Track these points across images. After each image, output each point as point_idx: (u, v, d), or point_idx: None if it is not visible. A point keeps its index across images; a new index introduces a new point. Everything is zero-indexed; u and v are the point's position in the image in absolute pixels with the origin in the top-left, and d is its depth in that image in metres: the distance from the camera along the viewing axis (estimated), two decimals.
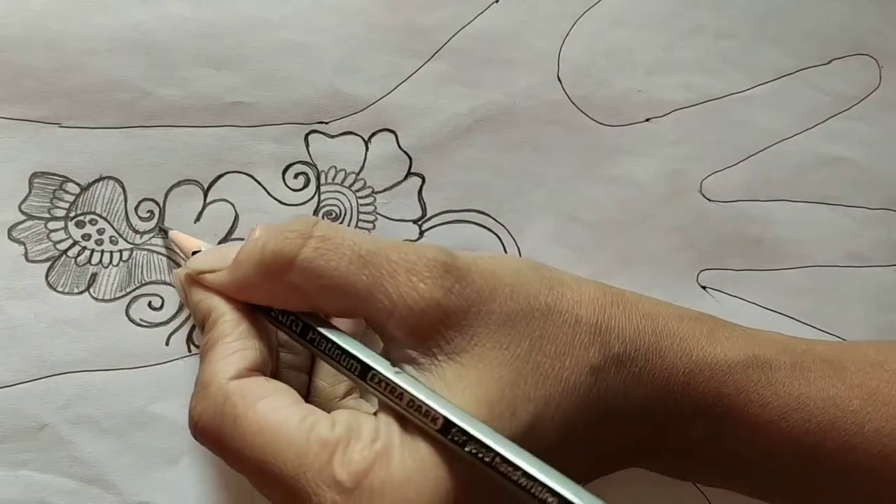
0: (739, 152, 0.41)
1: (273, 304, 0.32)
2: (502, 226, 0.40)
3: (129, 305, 0.37)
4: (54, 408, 0.37)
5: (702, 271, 0.41)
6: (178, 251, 0.37)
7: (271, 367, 0.33)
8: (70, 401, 0.37)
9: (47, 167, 0.37)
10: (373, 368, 0.30)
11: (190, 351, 0.38)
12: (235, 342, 0.31)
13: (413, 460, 0.28)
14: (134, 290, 0.38)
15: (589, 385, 0.31)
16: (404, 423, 0.29)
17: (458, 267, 0.30)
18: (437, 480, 0.28)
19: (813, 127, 0.41)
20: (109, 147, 0.37)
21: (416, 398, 0.28)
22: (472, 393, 0.29)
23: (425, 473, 0.28)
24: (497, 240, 0.40)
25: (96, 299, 0.37)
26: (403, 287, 0.29)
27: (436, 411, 0.28)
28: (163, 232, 0.38)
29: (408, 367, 0.30)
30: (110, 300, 0.37)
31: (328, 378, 0.35)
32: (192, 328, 0.38)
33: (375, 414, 0.30)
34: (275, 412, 0.29)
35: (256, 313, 0.33)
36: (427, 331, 0.30)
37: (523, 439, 0.29)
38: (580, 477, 0.29)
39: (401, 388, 0.29)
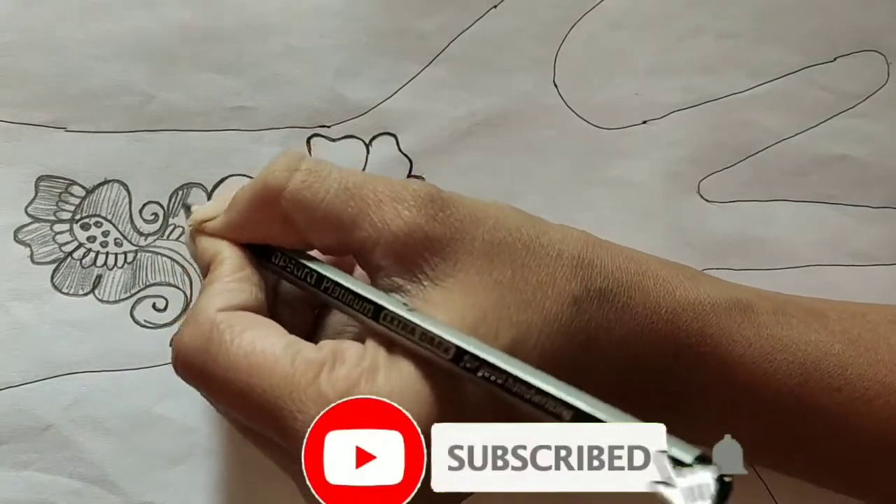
0: (739, 153, 0.41)
1: (268, 241, 0.32)
2: None
3: (133, 307, 0.38)
4: (59, 408, 0.37)
5: (701, 271, 0.40)
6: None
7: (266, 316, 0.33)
8: (74, 401, 0.37)
9: (53, 170, 0.38)
10: (385, 308, 0.30)
11: None
12: (233, 282, 0.32)
13: (398, 377, 0.28)
14: (138, 291, 0.38)
15: (571, 315, 0.31)
16: (390, 347, 0.30)
17: (442, 197, 0.31)
18: (420, 394, 0.28)
19: (816, 126, 0.41)
20: (114, 150, 0.38)
21: (429, 331, 0.29)
22: (458, 314, 0.29)
23: (408, 388, 0.28)
24: None
25: (101, 301, 0.38)
26: (388, 215, 0.30)
27: (448, 342, 0.28)
28: (186, 208, 0.36)
29: (395, 295, 0.31)
30: (115, 302, 0.38)
31: None
32: None
33: (362, 341, 0.30)
34: (262, 339, 0.29)
35: (263, 264, 0.33)
36: (412, 257, 0.30)
37: None
38: None
39: (413, 323, 0.29)
